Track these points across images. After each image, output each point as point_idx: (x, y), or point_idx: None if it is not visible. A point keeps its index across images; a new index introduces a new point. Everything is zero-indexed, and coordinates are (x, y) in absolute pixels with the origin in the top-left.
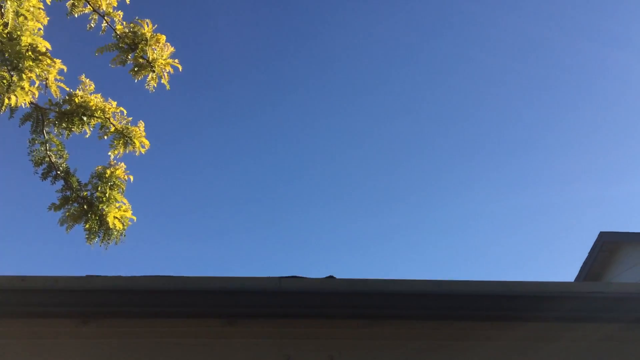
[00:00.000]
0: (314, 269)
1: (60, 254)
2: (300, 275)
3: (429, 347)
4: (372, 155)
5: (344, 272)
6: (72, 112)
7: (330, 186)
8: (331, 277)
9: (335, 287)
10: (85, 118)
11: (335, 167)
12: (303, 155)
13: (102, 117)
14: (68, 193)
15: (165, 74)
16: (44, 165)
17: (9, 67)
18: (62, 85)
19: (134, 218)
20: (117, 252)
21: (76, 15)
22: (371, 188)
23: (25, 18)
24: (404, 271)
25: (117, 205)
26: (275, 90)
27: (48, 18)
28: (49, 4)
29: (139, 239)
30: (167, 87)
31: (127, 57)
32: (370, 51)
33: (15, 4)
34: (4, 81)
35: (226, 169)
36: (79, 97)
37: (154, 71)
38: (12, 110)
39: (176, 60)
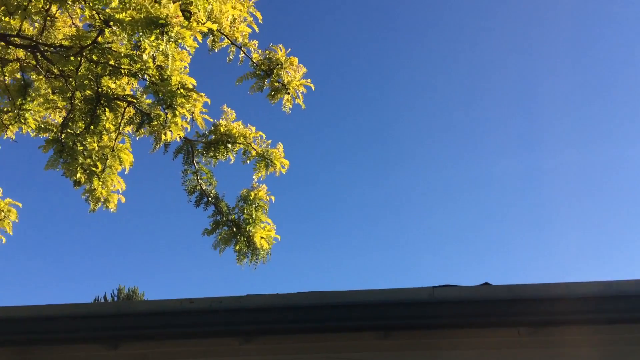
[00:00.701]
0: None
1: (213, 276)
2: (453, 284)
3: (606, 353)
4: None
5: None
6: (217, 141)
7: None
8: (487, 284)
9: (493, 295)
10: (229, 145)
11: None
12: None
13: (244, 142)
14: (218, 217)
15: (300, 94)
16: (196, 194)
17: (164, 106)
18: (206, 117)
19: (278, 237)
20: (259, 271)
21: (216, 50)
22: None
23: (174, 58)
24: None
25: (262, 225)
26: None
27: (190, 56)
28: (200, 41)
29: (281, 257)
30: (303, 106)
31: (264, 83)
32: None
33: (173, 45)
34: (160, 119)
35: (362, 183)
36: (223, 127)
37: (288, 93)
38: (166, 145)
39: (309, 80)
